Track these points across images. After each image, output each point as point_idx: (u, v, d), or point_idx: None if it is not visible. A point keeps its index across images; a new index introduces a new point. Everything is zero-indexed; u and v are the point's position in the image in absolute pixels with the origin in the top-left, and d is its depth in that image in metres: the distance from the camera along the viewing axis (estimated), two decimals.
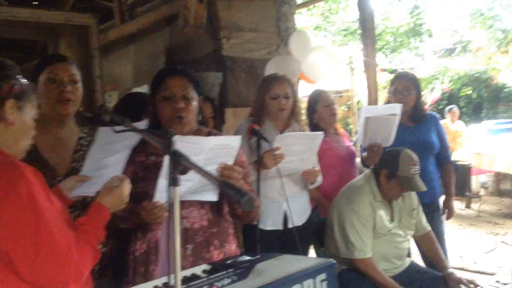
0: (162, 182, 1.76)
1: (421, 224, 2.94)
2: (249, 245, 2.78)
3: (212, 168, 1.80)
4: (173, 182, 1.11)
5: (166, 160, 1.55)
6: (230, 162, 1.86)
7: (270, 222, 2.73)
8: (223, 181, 1.04)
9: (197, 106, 2.06)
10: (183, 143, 1.73)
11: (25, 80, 1.53)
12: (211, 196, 1.92)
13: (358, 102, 11.05)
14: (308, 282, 1.51)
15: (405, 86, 3.21)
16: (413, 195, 2.88)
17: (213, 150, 1.77)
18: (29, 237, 1.34)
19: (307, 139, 2.62)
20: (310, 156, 2.67)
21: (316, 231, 2.98)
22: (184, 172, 1.11)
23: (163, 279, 1.64)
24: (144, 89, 4.37)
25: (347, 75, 10.82)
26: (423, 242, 3.00)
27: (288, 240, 2.64)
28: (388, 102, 3.37)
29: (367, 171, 2.90)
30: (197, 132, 2.07)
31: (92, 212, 1.60)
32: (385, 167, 2.71)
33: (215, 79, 4.43)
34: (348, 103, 10.94)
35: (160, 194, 1.80)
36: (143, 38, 5.71)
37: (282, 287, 1.44)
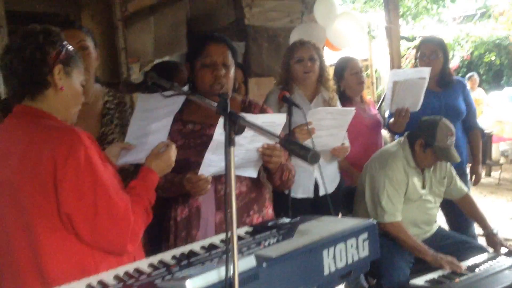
0: (209, 156, 1.79)
1: (458, 188, 2.94)
2: (280, 214, 2.82)
3: (257, 146, 1.83)
4: (229, 142, 1.14)
5: (220, 123, 1.60)
6: (271, 142, 1.87)
7: (301, 190, 2.77)
8: (285, 138, 1.07)
9: (234, 73, 2.09)
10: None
11: (71, 46, 1.56)
12: (252, 172, 1.95)
13: (375, 71, 10.92)
14: (351, 241, 1.54)
15: (432, 51, 3.18)
16: (444, 163, 2.89)
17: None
18: (88, 200, 1.40)
19: (339, 114, 2.61)
20: (340, 131, 2.67)
21: (342, 199, 3.02)
22: (239, 132, 1.15)
23: (218, 237, 1.70)
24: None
25: (365, 43, 10.65)
26: (462, 205, 3.00)
27: (319, 207, 2.68)
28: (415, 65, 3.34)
29: (401, 137, 2.90)
30: (232, 100, 2.09)
31: (143, 176, 1.65)
32: (421, 137, 2.70)
33: (237, 49, 4.43)
34: (367, 72, 10.81)
35: (206, 168, 1.84)
36: (163, 9, 5.68)
37: (328, 245, 1.47)
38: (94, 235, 1.43)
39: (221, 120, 1.71)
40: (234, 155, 1.79)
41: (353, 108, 2.67)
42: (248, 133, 1.73)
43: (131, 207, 1.48)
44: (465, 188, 2.98)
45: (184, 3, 5.29)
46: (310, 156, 1.04)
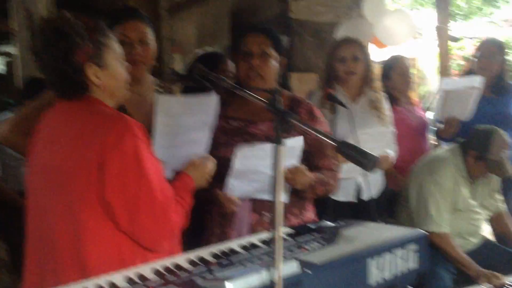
0: (231, 181, 1.80)
1: (496, 204, 2.84)
2: (320, 217, 2.75)
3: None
4: (279, 141, 1.08)
5: (238, 154, 1.64)
6: (295, 163, 1.85)
7: (343, 193, 2.64)
8: (344, 143, 1.00)
9: (277, 65, 2.02)
10: (251, 150, 1.76)
11: (91, 34, 1.45)
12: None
13: (420, 71, 10.62)
14: (400, 251, 1.47)
15: (491, 52, 3.05)
16: (496, 177, 2.77)
17: None
18: (131, 190, 1.38)
19: (380, 135, 2.52)
20: (385, 148, 2.55)
21: (385, 203, 2.92)
22: (288, 131, 1.09)
23: (258, 236, 1.66)
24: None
25: (410, 42, 10.35)
26: (495, 222, 2.91)
27: (361, 212, 2.58)
28: (469, 70, 3.22)
29: (453, 144, 2.79)
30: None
31: (184, 180, 1.63)
32: (474, 148, 2.60)
33: (281, 39, 4.36)
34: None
35: (230, 192, 1.84)
36: (208, 1, 5.67)
37: (374, 254, 1.40)
38: (131, 226, 1.41)
39: (239, 151, 1.74)
40: (257, 180, 1.81)
41: (392, 129, 2.59)
42: (269, 160, 1.73)
43: (173, 205, 1.45)
44: (502, 207, 2.86)
45: None
46: (370, 163, 0.96)
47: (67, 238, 1.42)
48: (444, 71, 4.74)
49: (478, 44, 3.37)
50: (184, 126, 1.68)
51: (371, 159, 0.98)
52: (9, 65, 8.75)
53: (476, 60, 3.11)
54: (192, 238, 2.26)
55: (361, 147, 2.30)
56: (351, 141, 2.30)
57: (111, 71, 1.50)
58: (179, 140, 1.69)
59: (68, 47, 1.41)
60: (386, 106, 2.78)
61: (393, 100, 3.07)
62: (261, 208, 1.95)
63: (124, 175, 1.37)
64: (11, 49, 8.62)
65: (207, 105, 1.70)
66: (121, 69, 1.54)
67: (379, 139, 2.49)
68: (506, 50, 3.17)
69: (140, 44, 1.94)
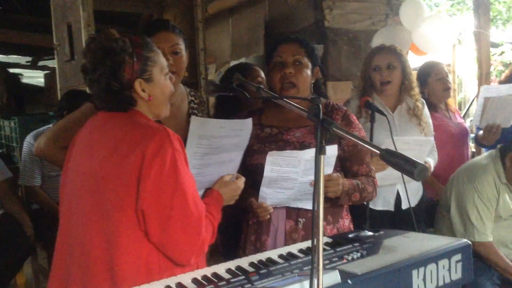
0: (264, 189, 1.81)
1: None
2: (357, 225, 2.71)
3: (310, 179, 1.78)
4: (320, 150, 1.07)
5: (269, 161, 1.65)
6: (329, 171, 1.83)
7: (381, 202, 2.61)
8: (388, 150, 0.98)
9: (310, 74, 2.01)
10: (281, 156, 1.75)
11: (138, 50, 1.47)
12: (309, 204, 1.89)
13: (457, 77, 10.37)
14: (443, 262, 1.43)
15: None
16: None
17: (310, 162, 1.73)
18: (166, 201, 1.38)
19: (417, 144, 2.45)
20: (423, 156, 2.49)
21: (424, 212, 2.84)
22: (331, 141, 1.07)
23: (296, 246, 1.65)
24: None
25: (448, 49, 10.13)
26: None
27: (399, 221, 2.53)
28: (510, 76, 3.12)
29: (492, 150, 2.70)
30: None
31: (214, 197, 1.64)
32: None
33: (315, 49, 4.35)
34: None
35: (263, 200, 1.85)
36: (242, 11, 5.72)
37: (418, 265, 1.37)
38: (162, 237, 1.40)
39: (269, 158, 1.74)
40: (289, 187, 1.80)
41: (431, 138, 2.52)
42: (299, 167, 1.75)
43: (204, 220, 1.46)
44: None
45: (263, 5, 5.29)
46: (418, 171, 0.93)
47: (100, 247, 1.43)
48: (484, 77, 4.60)
49: None
50: (216, 148, 1.68)
51: (419, 167, 0.94)
52: (47, 77, 9.07)
53: None
54: (230, 246, 2.27)
55: None
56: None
57: (158, 85, 1.52)
58: (211, 161, 1.69)
59: (116, 65, 1.43)
60: (426, 113, 2.71)
61: (432, 107, 3.01)
62: (296, 215, 1.93)
63: (160, 185, 1.38)
64: (49, 62, 8.95)
65: (242, 129, 1.70)
66: (167, 82, 1.57)
67: (416, 147, 2.43)
68: None
69: (171, 54, 1.95)
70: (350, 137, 1.10)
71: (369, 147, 1.05)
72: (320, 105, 2.00)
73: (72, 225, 1.51)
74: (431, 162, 2.65)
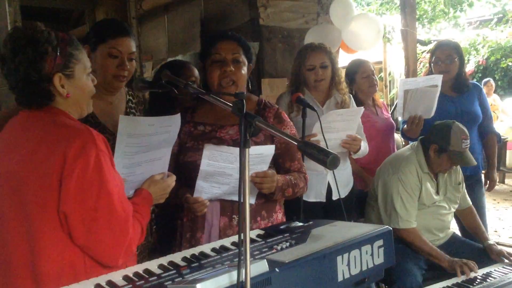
0: (200, 183, 1.83)
1: (464, 199, 2.92)
2: (290, 217, 2.77)
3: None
4: (244, 144, 1.10)
5: (205, 154, 1.68)
6: (264, 169, 1.89)
7: (313, 194, 2.70)
8: (305, 142, 1.03)
9: (247, 72, 2.05)
10: (218, 151, 1.78)
11: (62, 45, 1.45)
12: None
13: (389, 74, 10.82)
14: (366, 248, 1.50)
15: (448, 55, 3.13)
16: (459, 169, 2.84)
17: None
18: (90, 202, 1.36)
19: (348, 115, 2.57)
20: (350, 132, 2.62)
21: (354, 203, 2.96)
22: (255, 134, 1.11)
23: (229, 239, 1.68)
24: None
25: (379, 46, 10.54)
26: (463, 216, 2.98)
27: (331, 212, 2.63)
28: (428, 73, 3.29)
29: (414, 142, 2.85)
30: (247, 100, 2.06)
31: (143, 196, 1.63)
32: (435, 141, 2.65)
33: (251, 47, 4.41)
34: (380, 75, 10.72)
35: (199, 194, 1.86)
36: (177, 8, 5.67)
37: (342, 251, 1.44)
38: (88, 240, 1.38)
39: (205, 152, 1.77)
40: (225, 182, 1.83)
41: (361, 108, 2.63)
42: (236, 163, 1.78)
43: (131, 220, 1.45)
44: (469, 201, 2.95)
45: (198, 2, 5.27)
46: (329, 160, 0.99)
47: (22, 249, 1.39)
48: (411, 74, 4.83)
49: (431, 49, 3.43)
50: (146, 146, 1.67)
51: (332, 157, 1.00)
52: None
53: (435, 64, 3.17)
54: (164, 244, 2.27)
55: (327, 146, 2.37)
56: (321, 141, 2.39)
57: (78, 83, 1.49)
58: (140, 160, 1.68)
59: (37, 55, 1.40)
60: (353, 106, 2.84)
61: (359, 103, 3.14)
62: (230, 211, 1.96)
63: (84, 186, 1.35)
64: None
65: (171, 125, 1.69)
66: (88, 82, 1.53)
67: (348, 118, 2.55)
68: (460, 50, 3.23)
69: (129, 60, 2.01)
70: (272, 131, 1.15)
71: (288, 139, 1.10)
72: (252, 103, 2.10)
73: None
74: (363, 144, 2.76)
